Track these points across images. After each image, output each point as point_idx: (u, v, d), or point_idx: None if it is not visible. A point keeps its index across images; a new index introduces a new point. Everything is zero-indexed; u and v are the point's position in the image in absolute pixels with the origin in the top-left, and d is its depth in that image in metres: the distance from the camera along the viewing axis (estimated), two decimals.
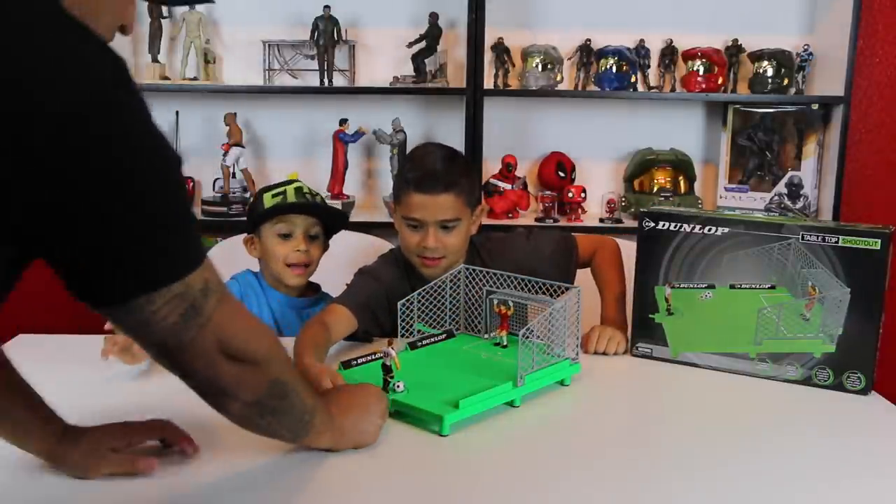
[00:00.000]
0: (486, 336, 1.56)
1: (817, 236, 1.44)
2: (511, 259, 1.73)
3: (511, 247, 1.82)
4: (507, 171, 2.76)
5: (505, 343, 1.51)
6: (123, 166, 0.77)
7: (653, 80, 2.84)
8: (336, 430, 1.12)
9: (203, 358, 0.89)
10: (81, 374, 1.47)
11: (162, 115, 2.82)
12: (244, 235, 1.84)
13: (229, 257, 2.05)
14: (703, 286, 1.54)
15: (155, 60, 2.75)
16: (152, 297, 0.82)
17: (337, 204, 2.68)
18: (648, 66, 2.82)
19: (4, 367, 1.08)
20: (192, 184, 2.85)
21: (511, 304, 1.49)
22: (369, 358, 1.41)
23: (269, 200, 1.75)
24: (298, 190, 1.77)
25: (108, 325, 1.36)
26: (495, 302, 1.52)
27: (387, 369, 1.29)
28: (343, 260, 1.92)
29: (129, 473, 1.08)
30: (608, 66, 2.75)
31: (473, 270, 1.59)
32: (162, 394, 1.40)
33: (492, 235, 1.90)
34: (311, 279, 1.83)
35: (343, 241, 1.98)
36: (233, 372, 0.92)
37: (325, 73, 2.69)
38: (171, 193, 0.83)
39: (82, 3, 0.84)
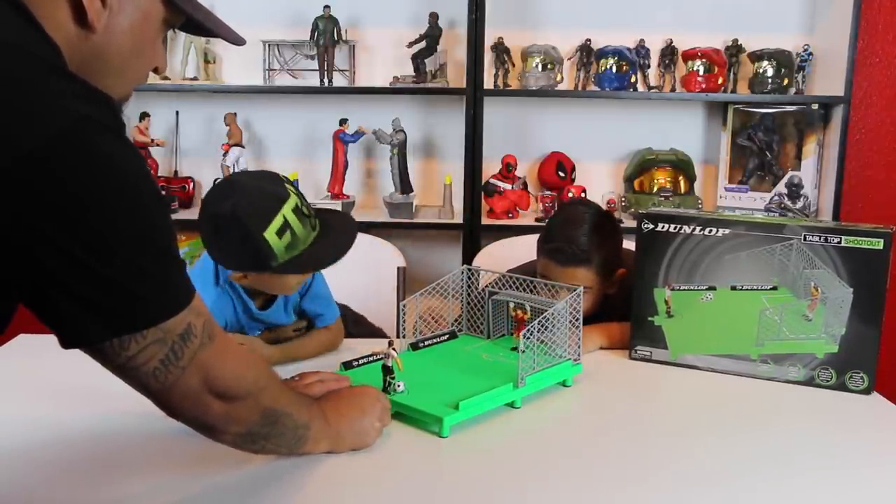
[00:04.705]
0: (516, 339, 1.52)
1: (819, 236, 1.44)
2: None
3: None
4: (507, 171, 2.75)
5: (523, 348, 1.49)
6: (84, 208, 0.75)
7: (653, 80, 2.84)
8: (333, 435, 1.13)
9: (189, 399, 0.90)
10: (81, 374, 1.46)
11: (162, 115, 2.82)
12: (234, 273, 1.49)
13: None
14: (704, 288, 1.54)
15: None
16: (125, 341, 0.81)
17: (337, 204, 2.68)
18: (648, 66, 2.82)
19: None
20: (192, 184, 2.85)
21: (528, 308, 1.49)
22: (370, 359, 1.41)
23: (276, 242, 1.36)
24: (297, 211, 1.39)
25: None
26: (512, 305, 1.52)
27: (387, 370, 1.28)
28: (342, 259, 1.91)
29: None
30: (608, 66, 2.74)
31: (473, 271, 1.58)
32: None
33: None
34: None
35: None
36: (221, 410, 0.93)
37: (325, 73, 2.69)
38: (141, 238, 0.80)
39: (92, 63, 0.85)
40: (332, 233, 1.45)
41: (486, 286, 1.62)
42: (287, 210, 1.36)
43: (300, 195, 1.42)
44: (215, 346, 0.90)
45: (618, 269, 1.73)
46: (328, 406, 1.14)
